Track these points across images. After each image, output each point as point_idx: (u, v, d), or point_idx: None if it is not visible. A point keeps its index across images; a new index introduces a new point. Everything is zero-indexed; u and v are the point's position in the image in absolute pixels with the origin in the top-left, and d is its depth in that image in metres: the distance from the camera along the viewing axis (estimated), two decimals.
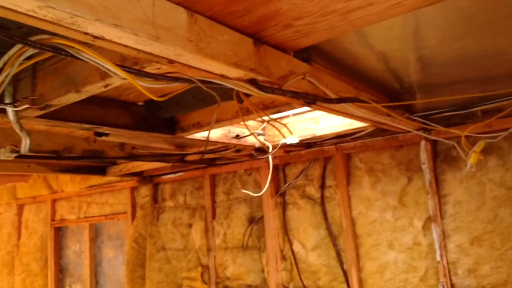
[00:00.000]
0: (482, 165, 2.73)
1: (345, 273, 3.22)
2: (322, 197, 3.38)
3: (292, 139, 2.87)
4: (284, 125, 2.82)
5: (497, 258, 2.62)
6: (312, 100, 1.53)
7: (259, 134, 2.82)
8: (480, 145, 2.27)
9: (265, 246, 3.62)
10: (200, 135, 2.47)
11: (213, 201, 4.01)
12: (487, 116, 2.65)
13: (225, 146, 3.18)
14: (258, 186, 3.75)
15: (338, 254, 3.25)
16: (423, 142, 2.92)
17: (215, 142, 2.67)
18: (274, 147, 2.89)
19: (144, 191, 4.48)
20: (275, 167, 3.65)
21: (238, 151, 3.26)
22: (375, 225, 3.09)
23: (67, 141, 2.65)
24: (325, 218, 3.33)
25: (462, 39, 1.84)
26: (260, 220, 3.69)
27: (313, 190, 3.42)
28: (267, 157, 3.53)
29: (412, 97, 2.70)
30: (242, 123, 2.73)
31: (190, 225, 4.13)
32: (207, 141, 2.58)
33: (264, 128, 2.91)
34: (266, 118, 2.90)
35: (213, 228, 3.96)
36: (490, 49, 1.99)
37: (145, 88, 1.16)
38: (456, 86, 2.50)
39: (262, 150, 3.46)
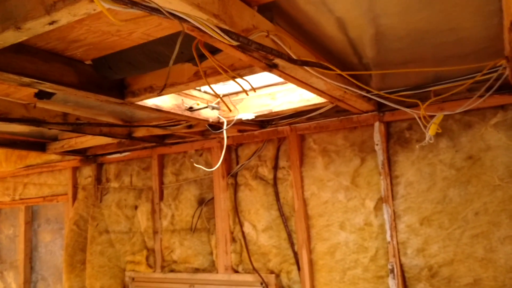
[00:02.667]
0: (433, 146, 2.76)
1: (295, 254, 3.17)
2: (275, 178, 3.31)
3: (248, 115, 2.78)
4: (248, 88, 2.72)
5: (445, 237, 2.67)
6: (277, 55, 1.44)
7: (214, 108, 2.71)
8: (439, 117, 2.28)
9: (214, 228, 3.52)
10: (152, 102, 2.32)
11: (161, 182, 3.84)
12: (440, 99, 2.68)
13: (176, 121, 3.04)
14: (209, 167, 3.63)
15: (289, 235, 3.20)
16: (377, 124, 2.92)
17: (167, 114, 2.52)
18: (228, 123, 2.79)
19: (87, 172, 4.23)
20: (228, 147, 3.54)
21: (190, 127, 3.12)
22: (327, 205, 3.07)
23: (3, 106, 2.41)
24: (277, 199, 3.28)
25: (417, 12, 1.81)
26: (210, 201, 3.58)
27: (266, 171, 3.35)
28: (220, 136, 3.43)
29: (369, 75, 2.69)
30: (198, 88, 2.61)
31: (136, 207, 3.95)
32: (157, 111, 2.43)
33: (219, 103, 2.80)
34: (223, 89, 2.80)
35: (160, 210, 3.80)
36: (443, 26, 1.98)
37: (107, 11, 1.01)
38: (411, 65, 2.50)
39: (216, 128, 3.35)
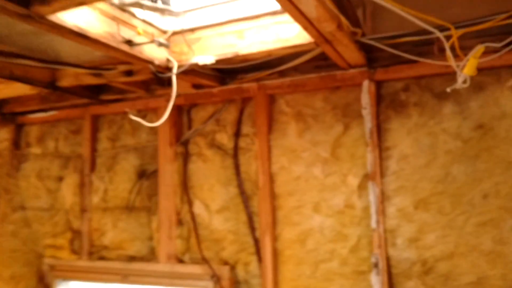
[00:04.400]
0: (435, 112, 2.22)
1: (256, 242, 2.56)
2: (236, 147, 2.68)
3: (206, 58, 2.12)
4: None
5: (444, 225, 2.14)
6: None
7: (161, 44, 2.03)
8: (479, 50, 1.71)
9: (157, 207, 2.84)
10: (73, 22, 1.63)
11: (93, 149, 3.12)
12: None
13: (111, 64, 2.34)
14: (154, 133, 2.94)
15: (250, 218, 2.59)
16: (366, 82, 2.35)
17: (95, 44, 1.82)
18: (180, 67, 2.13)
19: (3, 134, 3.42)
20: (178, 108, 2.87)
21: (129, 73, 2.42)
22: (299, 182, 2.47)
23: None
24: (238, 173, 2.65)
25: None
26: (153, 174, 2.90)
27: (225, 139, 2.71)
28: (169, 93, 2.75)
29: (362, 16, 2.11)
30: (142, 18, 1.93)
31: (61, 179, 3.20)
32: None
33: (169, 39, 2.13)
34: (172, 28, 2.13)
35: (91, 182, 3.07)
36: None
37: None
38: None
39: (164, 82, 2.68)
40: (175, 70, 2.09)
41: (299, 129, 2.51)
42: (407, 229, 2.21)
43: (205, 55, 2.14)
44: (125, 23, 1.93)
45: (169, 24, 2.17)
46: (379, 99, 2.36)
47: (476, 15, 1.95)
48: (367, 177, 2.31)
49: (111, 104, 3.04)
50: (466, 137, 2.14)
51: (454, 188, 2.13)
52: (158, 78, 2.63)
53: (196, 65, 2.15)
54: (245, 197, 2.61)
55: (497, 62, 2.09)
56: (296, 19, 1.64)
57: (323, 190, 2.41)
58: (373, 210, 2.27)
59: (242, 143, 2.67)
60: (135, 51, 1.99)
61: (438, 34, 1.76)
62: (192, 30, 2.18)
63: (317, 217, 2.41)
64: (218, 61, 2.14)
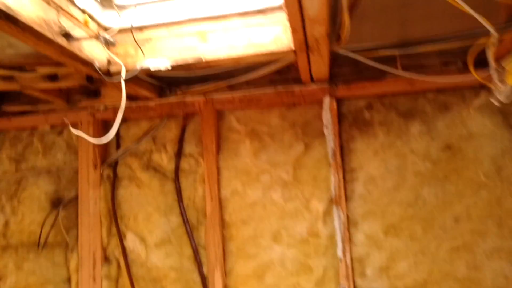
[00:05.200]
0: (402, 132, 2.12)
1: (204, 279, 2.21)
2: (177, 169, 2.32)
3: (160, 62, 1.77)
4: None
5: (417, 251, 2.02)
6: None
7: (107, 42, 1.64)
8: None
9: (76, 242, 2.34)
10: None
11: None
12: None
13: (29, 64, 1.87)
14: (73, 152, 2.45)
15: (196, 252, 2.22)
16: (327, 99, 2.18)
17: (24, 34, 1.38)
18: (130, 70, 1.74)
19: None
20: (104, 123, 2.43)
21: (54, 78, 1.95)
22: (255, 208, 2.19)
23: None
24: (180, 199, 2.28)
25: None
26: (72, 202, 2.39)
27: (164, 159, 2.33)
28: (93, 106, 2.32)
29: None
30: (82, 8, 1.54)
31: None
32: None
33: (115, 35, 1.73)
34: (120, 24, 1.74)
35: None
36: None
37: None
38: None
39: (90, 93, 2.25)
40: (123, 75, 1.70)
41: (254, 149, 2.24)
42: (377, 257, 2.05)
43: (157, 58, 1.79)
44: (62, 10, 1.51)
45: (112, 19, 1.78)
46: (341, 117, 2.20)
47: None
48: (332, 201, 2.11)
49: (15, 118, 2.47)
50: (434, 158, 2.06)
51: (425, 212, 2.03)
52: (85, 86, 2.20)
53: (147, 70, 1.78)
54: (189, 227, 2.25)
55: (460, 82, 2.05)
56: (292, 17, 1.39)
57: (283, 217, 2.15)
58: (338, 237, 2.07)
59: (185, 164, 2.32)
60: (73, 47, 1.57)
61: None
62: (140, 28, 1.81)
63: (277, 248, 2.14)
64: (174, 67, 1.79)
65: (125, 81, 1.93)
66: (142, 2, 1.77)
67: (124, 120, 2.43)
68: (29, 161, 2.47)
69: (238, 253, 2.18)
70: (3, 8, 1.23)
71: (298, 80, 2.23)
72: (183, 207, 2.27)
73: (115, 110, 2.36)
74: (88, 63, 1.69)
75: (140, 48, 1.76)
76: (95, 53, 1.71)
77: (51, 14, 1.44)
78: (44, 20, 1.41)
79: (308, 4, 1.31)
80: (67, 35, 1.51)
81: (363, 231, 2.07)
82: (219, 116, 2.33)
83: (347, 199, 2.10)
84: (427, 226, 2.02)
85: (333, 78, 2.18)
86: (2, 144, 2.51)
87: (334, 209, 2.09)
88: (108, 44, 1.64)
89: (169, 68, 1.78)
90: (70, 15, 1.55)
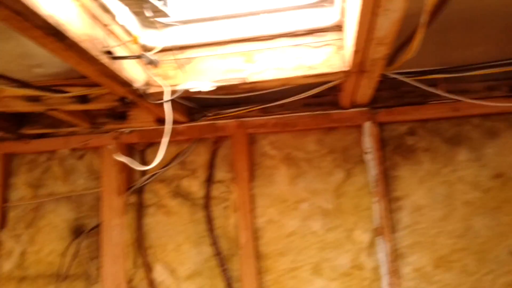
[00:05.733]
0: (448, 159, 2.02)
1: None
2: (208, 196, 2.18)
3: (203, 85, 1.66)
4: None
5: (470, 286, 1.89)
6: None
7: (151, 62, 1.52)
8: None
9: (99, 274, 2.18)
10: (48, 13, 1.09)
11: (4, 199, 2.35)
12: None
13: (59, 85, 1.75)
14: (94, 178, 2.31)
15: (229, 286, 2.08)
16: (367, 124, 2.08)
17: (71, 48, 1.26)
18: (172, 93, 1.63)
19: None
20: (128, 147, 2.30)
21: (84, 100, 1.83)
22: (293, 239, 2.06)
23: None
24: (211, 228, 2.14)
25: None
26: (94, 231, 2.24)
27: (193, 186, 2.20)
28: (119, 130, 2.20)
29: None
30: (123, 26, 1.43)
31: None
32: None
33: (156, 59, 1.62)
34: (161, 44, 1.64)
35: (1, 243, 2.28)
36: None
37: None
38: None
39: (113, 116, 2.14)
40: (167, 96, 1.58)
41: (291, 175, 2.12)
42: None
43: (198, 80, 1.68)
44: (104, 27, 1.40)
45: (152, 38, 1.67)
46: (383, 143, 2.09)
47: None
48: (376, 232, 1.99)
49: (33, 141, 2.34)
50: (485, 186, 1.96)
51: (477, 244, 1.91)
52: (111, 109, 2.08)
53: (187, 91, 1.67)
54: (222, 258, 2.11)
55: (507, 107, 1.97)
56: (359, 36, 1.29)
57: (324, 248, 2.02)
58: (384, 270, 1.94)
59: (216, 191, 2.19)
60: (115, 66, 1.45)
61: None
62: (181, 48, 1.70)
63: (318, 281, 2.00)
64: (217, 89, 1.68)
65: (157, 103, 1.83)
66: (184, 20, 1.67)
67: (150, 144, 2.30)
68: (48, 187, 2.33)
69: (276, 286, 2.04)
70: (54, 24, 1.12)
71: (334, 104, 2.14)
72: (215, 237, 2.13)
73: (141, 134, 2.24)
74: (126, 84, 1.57)
75: (182, 69, 1.65)
76: (135, 73, 1.60)
77: (97, 31, 1.33)
78: (90, 37, 1.29)
79: (381, 24, 1.22)
80: (110, 54, 1.40)
81: (411, 264, 1.94)
82: (252, 140, 2.22)
83: (392, 229, 1.98)
84: (480, 259, 1.90)
85: (373, 102, 2.09)
86: (18, 169, 2.37)
87: (379, 240, 1.97)
88: (151, 64, 1.53)
89: (212, 90, 1.67)
90: (112, 33, 1.44)
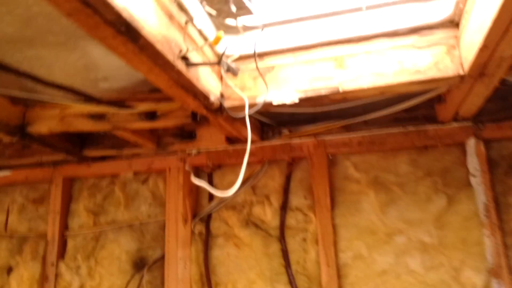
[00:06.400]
0: None
1: None
2: (283, 226, 1.93)
3: (286, 96, 1.43)
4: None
5: None
6: None
7: (231, 69, 1.31)
8: None
9: None
10: (122, 5, 0.90)
11: (64, 226, 2.20)
12: None
13: (128, 99, 1.59)
14: (159, 204, 2.12)
15: None
16: (471, 141, 1.76)
17: (145, 50, 1.06)
18: (249, 106, 1.41)
19: None
20: (196, 170, 2.09)
21: (152, 117, 1.65)
22: (386, 279, 1.75)
23: None
24: (288, 264, 1.87)
25: None
26: (157, 263, 2.03)
27: (267, 214, 1.96)
28: (185, 151, 2.01)
29: None
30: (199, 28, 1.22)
31: (10, 269, 2.21)
32: None
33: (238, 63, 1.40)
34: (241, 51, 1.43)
35: (59, 276, 2.12)
36: None
37: None
38: None
39: (181, 135, 1.95)
40: (247, 111, 1.36)
41: (380, 202, 1.82)
42: None
43: (281, 90, 1.45)
44: (180, 28, 1.21)
45: (228, 44, 1.47)
46: (491, 163, 1.76)
47: None
48: (490, 272, 1.64)
49: (94, 164, 2.19)
50: None
51: None
52: (179, 128, 1.89)
53: (270, 104, 1.44)
54: None
55: None
56: (497, 24, 1.02)
57: None
58: None
59: (292, 220, 1.93)
60: (191, 75, 1.25)
61: None
62: (261, 55, 1.49)
63: None
64: (303, 101, 1.44)
65: (232, 119, 1.62)
66: (264, 23, 1.46)
67: (218, 166, 2.09)
68: (109, 214, 2.16)
69: None
70: (128, 19, 0.92)
71: (429, 118, 1.85)
72: (292, 274, 1.85)
73: (209, 155, 2.03)
74: (202, 96, 1.36)
75: (263, 78, 1.43)
76: (210, 84, 1.39)
77: (173, 33, 1.14)
78: (166, 39, 1.10)
79: None
80: (186, 60, 1.20)
81: None
82: (333, 162, 1.95)
83: (511, 270, 1.63)
84: None
85: (477, 115, 1.77)
86: (79, 194, 2.22)
87: (494, 283, 1.62)
88: (230, 72, 1.31)
89: (296, 101, 1.43)
90: (188, 36, 1.24)
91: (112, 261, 2.06)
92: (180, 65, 1.18)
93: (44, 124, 1.71)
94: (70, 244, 2.15)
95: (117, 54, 1.09)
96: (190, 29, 1.26)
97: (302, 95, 1.42)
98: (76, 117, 1.68)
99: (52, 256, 2.13)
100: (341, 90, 1.40)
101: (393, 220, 1.79)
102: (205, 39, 1.38)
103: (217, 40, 1.16)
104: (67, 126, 1.70)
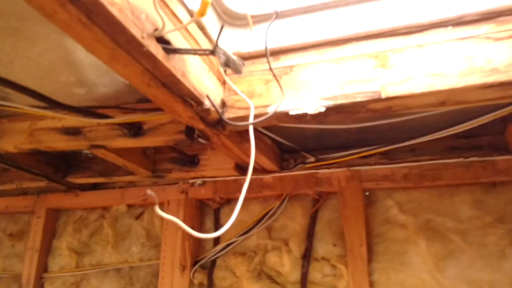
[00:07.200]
0: None
1: None
2: (305, 281, 1.50)
3: (306, 103, 1.05)
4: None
5: None
6: None
7: (229, 62, 0.95)
8: None
9: None
10: None
11: (42, 267, 1.84)
12: None
13: (114, 107, 1.26)
14: (153, 245, 1.74)
15: None
16: None
17: (100, 19, 0.72)
18: (258, 116, 1.03)
19: None
20: (198, 204, 1.72)
21: (137, 132, 1.29)
22: None
23: None
24: None
25: None
26: None
27: (285, 264, 1.53)
28: (188, 180, 1.65)
29: None
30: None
31: None
32: None
33: (243, 57, 1.04)
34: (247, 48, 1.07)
35: None
36: None
37: None
38: None
39: (180, 161, 1.61)
40: (252, 118, 0.99)
41: (435, 255, 1.38)
42: None
43: (300, 97, 1.07)
44: (161, 2, 0.86)
45: (233, 39, 1.12)
46: None
47: None
48: None
49: (83, 193, 1.85)
50: None
51: None
52: (178, 151, 1.53)
53: (286, 115, 1.06)
54: None
55: None
56: None
57: None
58: None
59: (317, 273, 1.50)
60: (173, 64, 0.89)
61: None
62: (275, 53, 1.13)
63: None
64: (331, 111, 1.05)
65: (233, 139, 1.25)
66: (279, 12, 1.11)
67: (226, 202, 1.71)
68: (95, 254, 1.79)
69: None
70: None
71: (497, 147, 1.42)
72: None
73: (216, 186, 1.66)
74: (192, 100, 1.00)
75: (278, 82, 1.06)
76: (205, 85, 1.03)
77: (144, 2, 0.79)
78: (131, 6, 0.75)
79: None
80: (164, 42, 0.85)
81: None
82: (370, 200, 1.54)
83: None
84: None
85: None
86: (64, 228, 1.88)
87: None
88: (230, 67, 0.95)
89: (322, 111, 1.04)
90: (171, 12, 0.90)
91: None
92: (155, 49, 0.82)
93: (10, 140, 1.39)
94: None
95: (61, 27, 0.75)
96: (175, 5, 0.92)
97: (330, 103, 1.04)
98: (47, 132, 1.35)
99: None
100: (384, 96, 1.00)
101: (452, 280, 1.33)
102: (201, 29, 1.04)
103: (204, 6, 0.80)
104: (36, 143, 1.36)
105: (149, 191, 0.74)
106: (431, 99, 1.01)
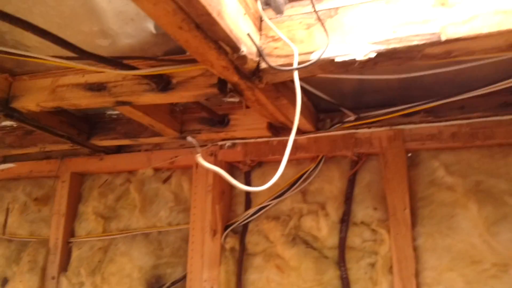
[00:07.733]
0: None
1: None
2: (343, 246, 1.42)
3: (355, 49, 0.93)
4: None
5: None
6: None
7: (272, 2, 0.84)
8: None
9: None
10: None
11: (69, 232, 1.81)
12: None
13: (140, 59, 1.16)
14: (182, 209, 1.67)
15: None
16: None
17: None
18: (301, 62, 0.92)
19: None
20: (229, 167, 1.64)
21: (165, 87, 1.19)
22: None
23: None
24: None
25: None
26: (178, 285, 1.58)
27: (322, 228, 1.45)
28: (218, 142, 1.56)
29: None
30: None
31: (5, 281, 1.84)
32: None
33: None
34: None
35: None
36: None
37: None
38: None
39: (214, 122, 1.52)
40: (296, 63, 0.89)
41: (486, 219, 1.28)
42: None
43: (347, 42, 0.95)
44: None
45: None
46: None
47: None
48: None
49: (107, 157, 1.79)
50: None
51: None
52: (207, 110, 1.44)
53: (332, 62, 0.95)
54: None
55: None
56: None
57: None
58: None
59: (356, 238, 1.42)
60: (208, 1, 0.78)
61: None
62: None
63: None
64: (383, 57, 0.94)
65: (269, 93, 1.15)
66: None
67: (258, 164, 1.62)
68: (122, 219, 1.74)
69: None
70: None
71: None
72: None
73: (247, 148, 1.57)
74: (227, 46, 0.90)
75: (323, 25, 0.95)
76: (241, 29, 0.93)
77: None
78: None
79: None
80: None
81: None
82: (414, 161, 1.43)
83: None
84: None
85: None
86: (89, 193, 1.82)
87: None
88: (271, 6, 0.84)
89: (372, 57, 0.93)
90: None
91: (122, 279, 1.62)
92: None
93: (32, 98, 1.31)
94: (75, 253, 1.75)
95: None
96: None
97: (382, 48, 0.92)
98: (70, 88, 1.27)
99: (53, 268, 1.73)
100: (444, 38, 0.88)
101: (506, 244, 1.23)
102: None
103: None
104: (59, 101, 1.29)
105: (189, 138, 0.66)
106: (499, 41, 0.89)
